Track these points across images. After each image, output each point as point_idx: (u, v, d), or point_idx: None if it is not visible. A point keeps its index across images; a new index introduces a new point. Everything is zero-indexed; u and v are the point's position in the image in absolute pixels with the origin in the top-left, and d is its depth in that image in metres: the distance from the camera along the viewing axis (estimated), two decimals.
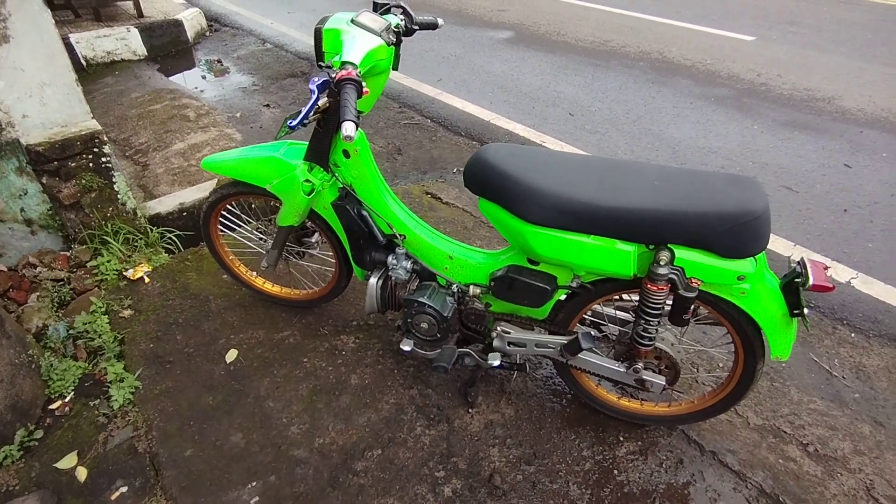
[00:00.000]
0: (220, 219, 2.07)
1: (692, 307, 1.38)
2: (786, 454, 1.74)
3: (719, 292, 1.39)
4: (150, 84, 4.74)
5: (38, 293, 2.20)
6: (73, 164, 2.26)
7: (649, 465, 1.70)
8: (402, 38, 1.67)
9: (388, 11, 1.61)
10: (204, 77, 5.03)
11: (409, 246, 1.74)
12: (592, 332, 1.54)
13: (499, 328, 1.69)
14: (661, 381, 1.56)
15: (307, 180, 1.63)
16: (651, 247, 1.34)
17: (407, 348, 1.75)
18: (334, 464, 1.68)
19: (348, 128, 1.16)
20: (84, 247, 2.39)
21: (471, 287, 1.67)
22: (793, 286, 1.35)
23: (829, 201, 3.00)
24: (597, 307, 1.65)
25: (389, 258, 1.76)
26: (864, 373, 2.04)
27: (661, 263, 1.31)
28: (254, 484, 1.63)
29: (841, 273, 2.49)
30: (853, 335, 2.20)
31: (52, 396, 1.90)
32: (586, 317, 1.70)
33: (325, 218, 1.81)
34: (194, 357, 2.03)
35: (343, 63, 1.27)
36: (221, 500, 1.58)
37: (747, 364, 1.52)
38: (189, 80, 4.95)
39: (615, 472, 1.68)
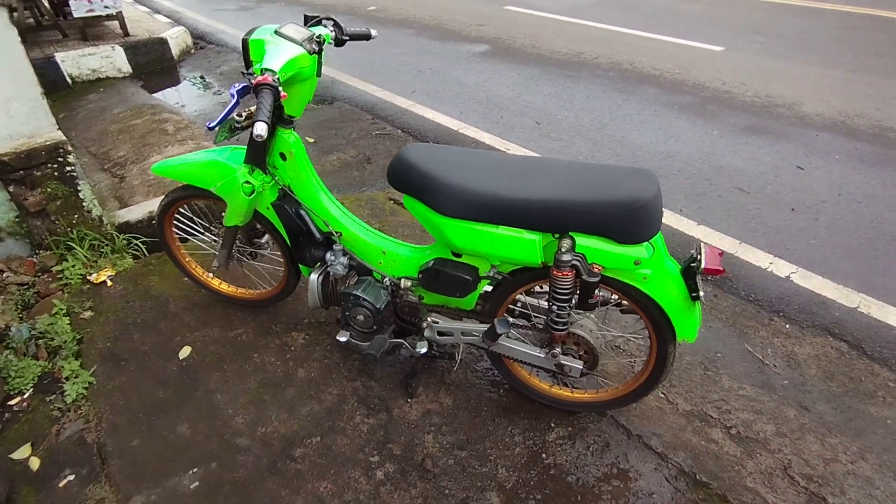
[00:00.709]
0: (175, 223, 2.17)
1: (595, 291, 1.47)
2: (709, 437, 1.82)
3: (624, 278, 1.48)
4: (133, 100, 4.88)
5: (2, 296, 2.29)
6: (38, 174, 2.37)
7: (577, 448, 1.78)
8: (338, 46, 1.79)
9: (318, 24, 1.72)
10: (183, 92, 5.18)
11: (346, 242, 1.84)
12: (509, 319, 1.63)
13: (429, 319, 1.78)
14: (578, 365, 1.64)
15: (247, 182, 1.73)
16: (556, 236, 1.44)
17: (342, 339, 1.84)
18: (274, 451, 1.76)
19: (258, 127, 1.26)
20: (49, 252, 2.49)
21: (402, 280, 1.76)
22: (690, 271, 1.45)
23: (778, 201, 3.10)
24: (523, 298, 1.74)
25: (328, 255, 1.85)
26: (794, 361, 2.12)
27: (563, 250, 1.41)
28: (195, 470, 1.70)
29: (782, 268, 2.58)
30: (788, 326, 2.29)
31: (12, 393, 1.98)
32: (515, 308, 1.79)
33: (268, 218, 1.91)
34: (149, 355, 2.11)
35: (263, 70, 1.38)
36: (163, 486, 1.66)
37: (660, 348, 1.60)
38: (170, 97, 5.09)
39: (543, 455, 1.76)
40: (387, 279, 1.79)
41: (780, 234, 2.83)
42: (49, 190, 2.41)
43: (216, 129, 1.38)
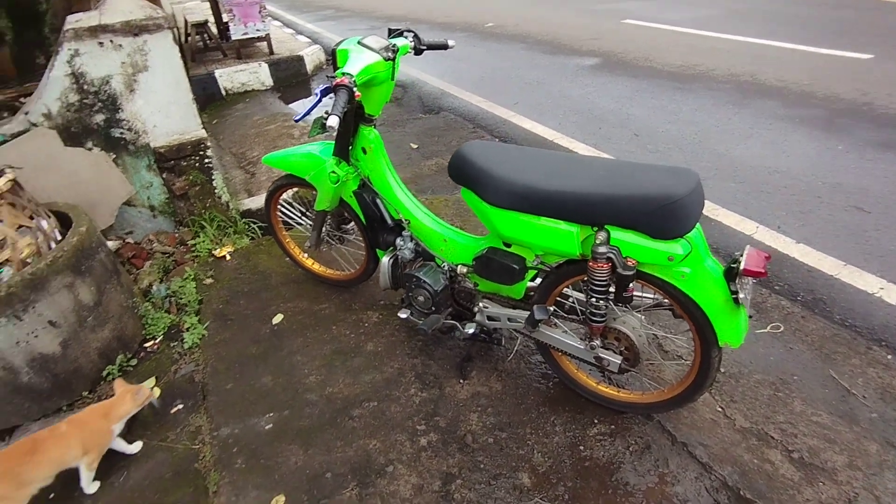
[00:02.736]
0: (279, 210, 2.54)
1: (630, 285, 1.50)
2: (765, 456, 1.73)
3: (661, 274, 1.50)
4: (270, 109, 5.59)
5: (151, 261, 2.82)
6: (184, 164, 2.89)
7: (616, 446, 1.79)
8: (417, 55, 2.01)
9: (400, 35, 1.96)
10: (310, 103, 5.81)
11: (414, 230, 2.04)
12: (549, 308, 1.70)
13: (481, 304, 1.91)
14: (616, 359, 1.67)
15: (333, 171, 2.00)
16: (594, 229, 1.50)
17: (403, 315, 2.03)
18: (336, 408, 2.00)
19: (331, 120, 1.50)
20: (187, 229, 3.01)
21: (459, 266, 1.92)
22: (731, 272, 1.43)
23: None
24: (572, 293, 1.81)
25: (398, 240, 2.07)
26: (890, 395, 1.92)
27: (598, 242, 1.47)
28: (270, 415, 1.99)
29: (892, 294, 2.32)
30: (890, 357, 2.07)
31: (147, 337, 2.45)
32: (566, 302, 1.86)
33: (351, 205, 2.17)
34: (249, 317, 2.48)
35: (343, 73, 1.63)
36: (245, 423, 1.97)
37: (703, 351, 1.58)
38: (300, 107, 5.73)
39: (581, 447, 1.79)
40: (446, 265, 1.96)
41: None
42: (191, 177, 2.93)
43: (300, 121, 1.66)
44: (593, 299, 1.58)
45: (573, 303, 1.84)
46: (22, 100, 2.67)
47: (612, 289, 1.56)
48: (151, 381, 2.21)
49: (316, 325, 2.41)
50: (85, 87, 2.59)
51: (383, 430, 1.90)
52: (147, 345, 2.42)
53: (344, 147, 1.98)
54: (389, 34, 1.95)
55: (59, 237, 2.23)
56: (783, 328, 2.21)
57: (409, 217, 2.02)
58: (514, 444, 1.82)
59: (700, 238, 1.47)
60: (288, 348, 2.29)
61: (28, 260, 2.06)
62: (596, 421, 1.88)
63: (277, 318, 2.46)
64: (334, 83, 1.59)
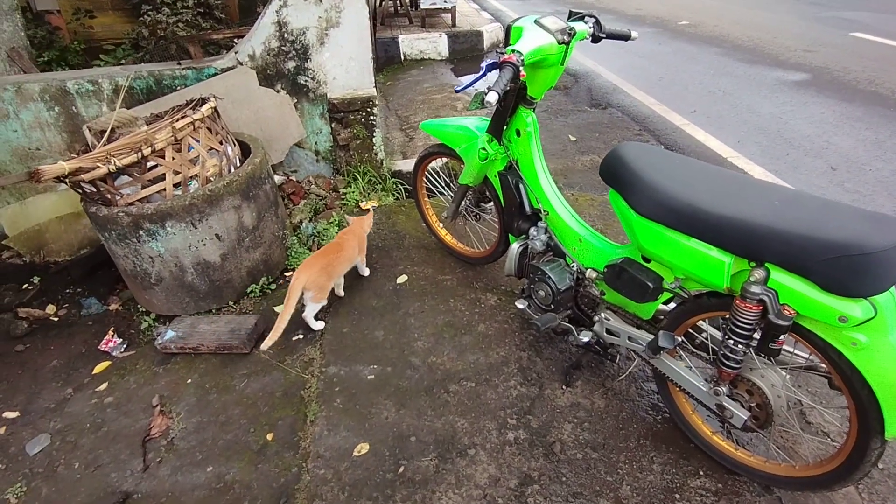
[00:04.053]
0: (427, 174, 2.61)
1: (781, 337, 1.29)
2: None
3: (825, 335, 1.27)
4: (441, 79, 5.76)
5: (306, 201, 3.09)
6: (351, 117, 3.10)
7: None
8: (594, 42, 1.90)
9: (581, 19, 1.85)
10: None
11: (550, 222, 1.96)
12: (678, 337, 1.54)
13: (603, 314, 1.80)
14: (743, 414, 1.46)
15: (483, 148, 2.00)
16: (752, 264, 1.31)
17: (520, 305, 1.99)
18: (435, 378, 2.03)
19: (490, 95, 1.47)
20: (342, 178, 3.24)
21: (589, 270, 1.81)
22: None
23: None
24: (706, 328, 1.62)
25: (532, 229, 2.01)
26: None
27: (754, 280, 1.28)
28: (375, 366, 2.10)
29: None
30: None
31: (289, 267, 2.71)
32: (698, 336, 1.67)
33: (493, 186, 2.16)
34: (377, 272, 2.62)
35: (512, 50, 1.59)
36: (351, 367, 2.10)
37: (860, 438, 1.32)
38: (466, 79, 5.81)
39: (676, 495, 1.62)
40: (575, 265, 1.87)
41: None
42: (355, 131, 3.13)
43: (460, 92, 1.66)
44: (731, 341, 1.39)
45: (706, 338, 1.64)
46: (235, 40, 3.04)
47: (756, 335, 1.36)
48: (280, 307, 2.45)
49: (435, 293, 2.47)
50: (285, 35, 2.88)
51: (474, 412, 1.90)
52: (287, 273, 2.68)
53: (499, 126, 1.96)
54: (569, 17, 1.86)
55: (239, 164, 2.53)
56: None
57: (549, 208, 1.95)
58: (603, 468, 1.71)
59: (893, 304, 1.21)
60: (405, 309, 2.38)
61: (211, 178, 2.37)
62: (701, 473, 1.69)
63: (402, 279, 2.56)
64: (501, 59, 1.56)
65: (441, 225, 2.72)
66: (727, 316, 1.39)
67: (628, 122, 4.46)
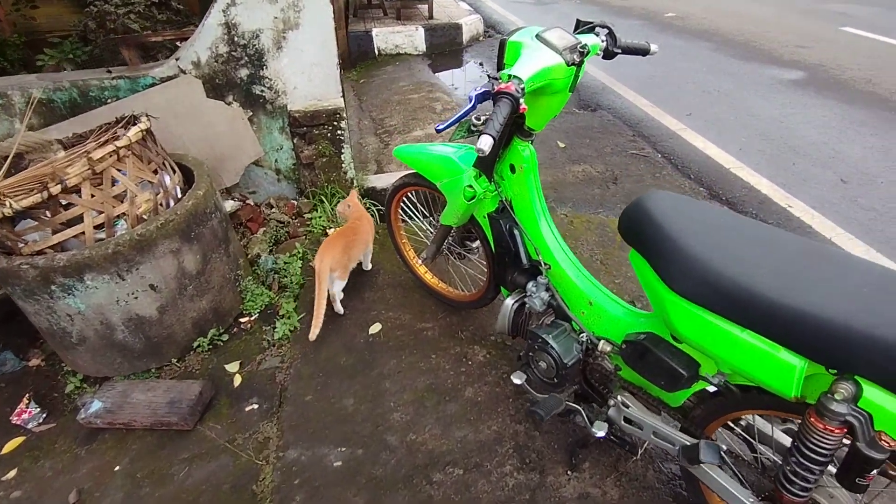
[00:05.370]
0: (402, 205, 2.24)
1: (874, 472, 0.98)
2: None
3: None
4: (418, 76, 5.36)
5: (265, 229, 2.70)
6: (316, 132, 2.70)
7: None
8: (606, 59, 1.56)
9: (591, 30, 1.50)
10: (459, 75, 5.48)
11: (552, 277, 1.62)
12: (723, 447, 1.22)
13: (620, 397, 1.47)
14: None
15: (470, 186, 1.64)
16: (832, 371, 0.99)
17: (517, 381, 1.64)
18: (416, 464, 1.69)
19: (483, 141, 1.12)
20: (307, 200, 2.85)
21: (602, 342, 1.48)
22: None
23: None
24: (751, 418, 1.30)
25: (530, 284, 1.67)
26: None
27: (838, 397, 0.96)
28: (343, 449, 1.74)
29: None
30: None
31: (244, 312, 2.33)
32: (735, 424, 1.36)
33: (482, 227, 1.81)
34: (347, 318, 2.25)
35: (510, 76, 1.23)
36: (314, 451, 1.74)
37: None
38: (448, 78, 5.43)
39: None
40: (584, 334, 1.53)
41: None
42: (320, 148, 2.74)
43: (442, 131, 1.30)
44: (795, 461, 1.08)
45: (748, 428, 1.33)
46: (178, 43, 2.62)
47: (835, 459, 1.05)
48: (235, 365, 2.08)
49: (415, 346, 2.11)
50: (236, 38, 2.46)
51: None
52: (243, 320, 2.30)
53: (489, 160, 1.60)
54: (577, 27, 1.51)
55: (181, 194, 2.13)
56: None
57: (551, 261, 1.60)
58: None
59: None
60: (379, 369, 2.02)
61: (144, 216, 1.97)
62: None
63: (375, 328, 2.20)
64: (496, 88, 1.20)
65: (420, 262, 2.36)
66: (794, 425, 1.08)
67: (621, 127, 4.14)
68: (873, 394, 0.94)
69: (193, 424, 1.85)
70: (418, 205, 2.28)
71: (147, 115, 2.09)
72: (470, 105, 1.25)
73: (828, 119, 4.05)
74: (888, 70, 4.89)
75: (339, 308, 2.27)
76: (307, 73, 2.62)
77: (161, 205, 2.04)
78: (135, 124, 2.00)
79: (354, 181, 2.91)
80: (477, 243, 2.06)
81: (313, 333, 2.09)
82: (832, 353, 0.97)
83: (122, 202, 1.93)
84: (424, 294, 2.36)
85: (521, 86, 1.21)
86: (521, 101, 1.20)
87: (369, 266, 2.53)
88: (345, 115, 2.70)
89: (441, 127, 1.30)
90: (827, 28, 6.23)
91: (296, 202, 2.88)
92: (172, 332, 2.07)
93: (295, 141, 2.75)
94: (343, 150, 2.78)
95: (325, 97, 2.69)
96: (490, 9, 7.93)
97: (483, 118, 1.39)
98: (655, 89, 4.79)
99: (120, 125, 2.03)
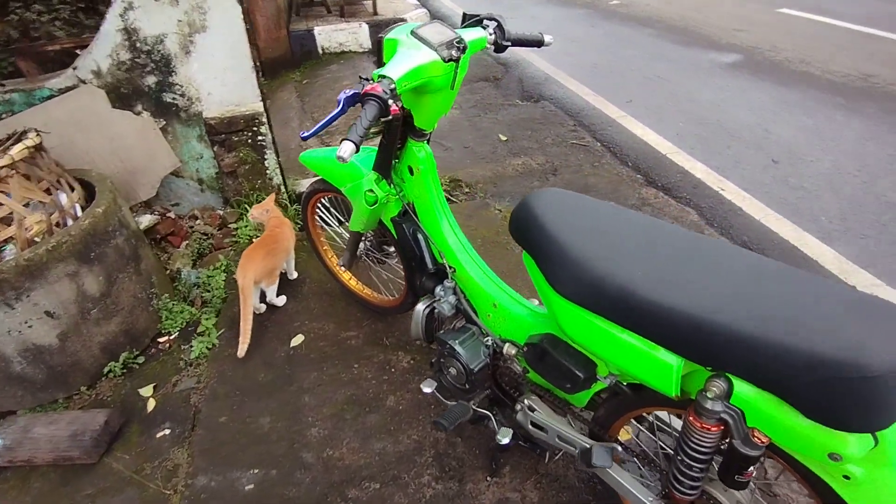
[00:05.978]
0: (318, 211, 2.17)
1: (751, 469, 0.96)
2: None
3: (810, 465, 0.95)
4: (363, 75, 5.24)
5: (187, 242, 2.59)
6: (235, 139, 2.60)
7: None
8: (498, 52, 1.51)
9: (479, 24, 1.45)
10: None
11: (459, 281, 1.57)
12: (617, 448, 1.20)
13: (527, 401, 1.43)
14: None
15: (370, 190, 1.57)
16: (709, 369, 0.97)
17: (427, 389, 1.59)
18: (332, 481, 1.63)
19: (343, 148, 1.06)
20: (232, 210, 2.74)
21: (507, 344, 1.44)
22: None
23: None
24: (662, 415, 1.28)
25: (437, 288, 1.62)
26: None
27: (710, 395, 0.94)
28: (256, 471, 1.67)
29: None
30: None
31: (163, 331, 2.22)
32: (641, 422, 1.33)
33: (391, 231, 1.75)
34: (268, 332, 2.17)
35: (379, 76, 1.17)
36: (224, 476, 1.66)
37: None
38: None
39: None
40: (489, 338, 1.49)
41: None
42: (241, 155, 2.64)
43: (307, 139, 1.23)
44: (680, 460, 1.05)
45: (658, 424, 1.31)
46: (78, 51, 2.48)
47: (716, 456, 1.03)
48: (149, 389, 1.98)
49: (337, 357, 2.05)
50: (137, 44, 2.34)
51: None
52: (161, 339, 2.20)
53: (385, 162, 1.54)
54: (464, 21, 1.46)
55: (81, 212, 2.01)
56: None
57: (455, 264, 1.55)
58: None
59: None
60: (298, 384, 1.95)
61: (36, 238, 1.86)
62: None
63: (297, 340, 2.12)
64: (364, 90, 1.14)
65: (343, 268, 2.28)
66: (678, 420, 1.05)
67: (562, 117, 4.12)
68: (744, 390, 0.92)
69: (98, 457, 1.75)
70: (332, 210, 2.20)
71: (37, 131, 1.96)
72: (339, 109, 1.19)
73: (763, 101, 4.10)
74: (821, 49, 4.98)
75: (280, 301, 2.29)
76: (220, 78, 2.51)
77: (58, 225, 1.92)
78: (21, 141, 1.88)
79: (281, 188, 2.81)
80: (393, 248, 2.00)
81: (241, 350, 2.02)
82: (703, 351, 0.94)
83: (8, 225, 1.81)
84: (350, 302, 2.29)
85: (392, 86, 1.15)
86: (392, 102, 1.14)
87: (294, 275, 2.44)
88: (265, 119, 2.60)
89: (306, 135, 1.23)
90: (764, 10, 6.33)
91: (221, 212, 2.78)
92: (79, 360, 1.96)
93: (215, 149, 2.64)
94: (266, 156, 2.69)
95: (243, 102, 2.59)
96: (439, 2, 7.84)
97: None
98: (598, 78, 4.79)
99: (10, 141, 1.91)
